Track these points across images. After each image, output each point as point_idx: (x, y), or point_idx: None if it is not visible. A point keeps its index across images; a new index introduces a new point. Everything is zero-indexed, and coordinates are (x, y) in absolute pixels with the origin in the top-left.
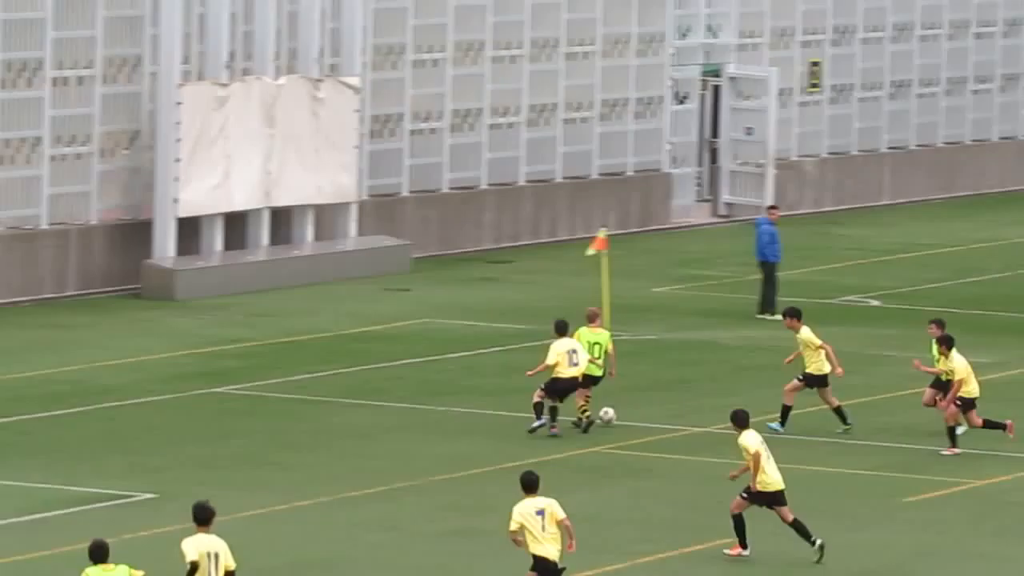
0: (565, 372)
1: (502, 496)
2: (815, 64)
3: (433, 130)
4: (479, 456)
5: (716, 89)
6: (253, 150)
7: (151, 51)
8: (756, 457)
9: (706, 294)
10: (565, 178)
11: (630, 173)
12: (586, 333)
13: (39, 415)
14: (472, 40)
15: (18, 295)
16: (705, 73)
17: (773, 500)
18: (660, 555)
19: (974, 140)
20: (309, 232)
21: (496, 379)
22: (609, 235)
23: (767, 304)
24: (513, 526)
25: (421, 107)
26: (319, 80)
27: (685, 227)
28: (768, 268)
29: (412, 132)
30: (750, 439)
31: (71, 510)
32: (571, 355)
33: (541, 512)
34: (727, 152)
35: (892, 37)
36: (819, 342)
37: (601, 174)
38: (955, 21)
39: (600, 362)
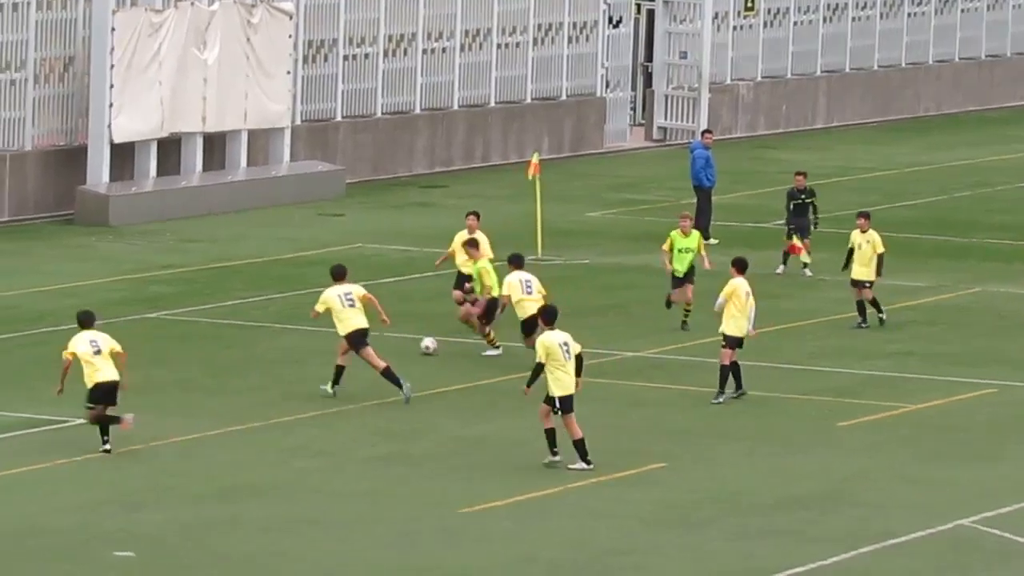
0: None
1: (434, 421)
2: None
3: (367, 55)
4: (411, 381)
5: (650, 13)
6: (187, 76)
7: None
8: None
9: (640, 219)
10: (499, 103)
11: (564, 97)
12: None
13: None
14: None
15: None
16: None
17: None
18: (595, 479)
19: (909, 63)
20: (242, 158)
21: (428, 304)
22: (541, 160)
23: (701, 229)
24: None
25: (355, 32)
26: (253, 5)
27: (619, 152)
28: (703, 193)
29: (346, 57)
30: None
31: (3, 436)
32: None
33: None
34: (661, 76)
35: None
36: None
37: (535, 99)
38: None
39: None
